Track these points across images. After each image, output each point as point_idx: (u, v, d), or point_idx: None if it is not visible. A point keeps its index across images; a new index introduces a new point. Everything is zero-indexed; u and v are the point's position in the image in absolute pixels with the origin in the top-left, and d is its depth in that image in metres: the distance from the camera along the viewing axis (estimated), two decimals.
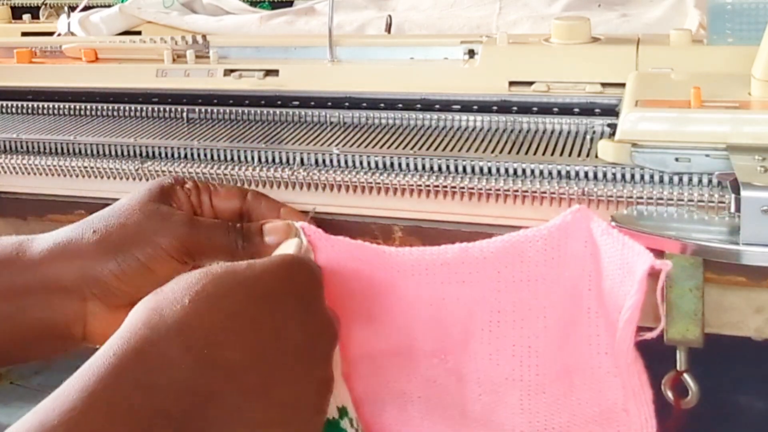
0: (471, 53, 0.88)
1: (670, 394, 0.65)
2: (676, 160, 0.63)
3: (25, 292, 0.57)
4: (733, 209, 0.58)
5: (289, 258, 0.51)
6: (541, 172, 0.67)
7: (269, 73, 0.90)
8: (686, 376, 0.64)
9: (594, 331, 0.57)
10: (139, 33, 1.35)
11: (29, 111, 0.92)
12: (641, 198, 0.63)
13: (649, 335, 0.54)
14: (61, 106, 0.91)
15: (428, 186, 0.68)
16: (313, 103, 0.85)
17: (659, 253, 0.60)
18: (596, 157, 0.67)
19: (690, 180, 0.63)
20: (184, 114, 0.86)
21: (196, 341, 0.44)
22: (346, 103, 0.84)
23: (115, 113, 0.88)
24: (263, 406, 0.45)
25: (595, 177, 0.66)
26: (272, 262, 0.49)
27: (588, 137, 0.73)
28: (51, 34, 1.31)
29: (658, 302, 0.52)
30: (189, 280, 0.47)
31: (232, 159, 0.75)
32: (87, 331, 0.59)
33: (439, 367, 0.61)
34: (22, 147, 0.81)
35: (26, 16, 1.56)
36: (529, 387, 0.59)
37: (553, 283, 0.57)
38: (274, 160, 0.73)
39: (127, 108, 0.88)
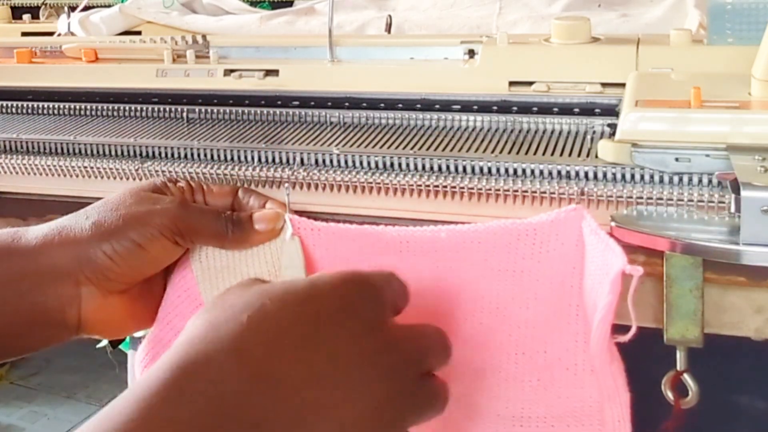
0: (471, 53, 0.88)
1: (670, 394, 0.65)
2: (676, 160, 0.63)
3: (19, 279, 0.59)
4: (733, 209, 0.58)
5: (350, 276, 0.49)
6: (541, 172, 0.66)
7: (269, 73, 0.90)
8: (686, 376, 0.64)
9: (581, 329, 0.58)
10: (139, 33, 1.35)
11: (29, 111, 0.92)
12: (641, 198, 0.63)
13: (621, 338, 0.54)
14: (61, 106, 0.91)
15: (428, 186, 0.68)
16: (313, 103, 0.84)
17: (659, 253, 0.60)
18: (596, 157, 0.67)
19: (690, 180, 0.63)
20: (184, 114, 0.86)
21: (251, 357, 0.44)
22: (346, 103, 0.84)
23: (115, 113, 0.88)
24: (318, 424, 0.44)
25: (595, 177, 0.66)
26: (333, 281, 0.48)
27: (588, 137, 0.73)
28: (51, 34, 1.32)
29: (630, 307, 0.52)
30: (248, 299, 0.47)
31: (232, 159, 0.75)
32: (81, 318, 0.60)
33: None
34: (22, 147, 0.81)
35: (26, 16, 1.56)
36: (507, 375, 0.60)
37: (539, 277, 0.57)
38: (274, 160, 0.73)
39: (127, 108, 0.88)
